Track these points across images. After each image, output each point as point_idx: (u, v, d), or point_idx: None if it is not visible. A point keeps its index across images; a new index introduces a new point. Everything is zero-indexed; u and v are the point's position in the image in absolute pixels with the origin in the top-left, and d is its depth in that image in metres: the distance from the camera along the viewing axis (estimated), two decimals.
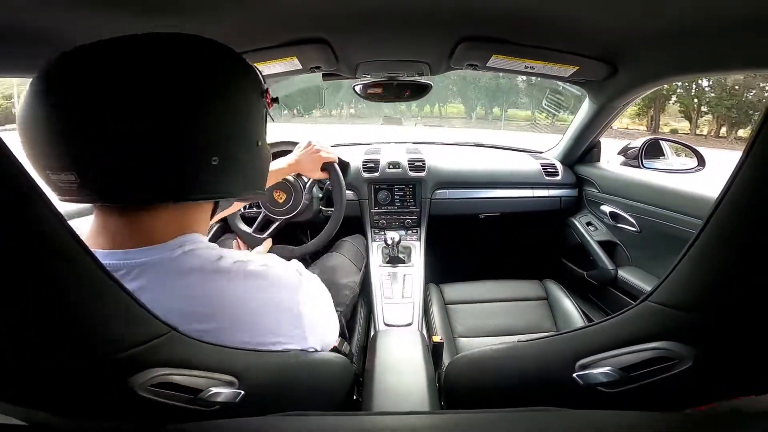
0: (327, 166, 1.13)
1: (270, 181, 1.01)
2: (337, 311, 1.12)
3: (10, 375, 0.29)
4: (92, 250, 0.41)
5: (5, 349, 0.27)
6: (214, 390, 0.37)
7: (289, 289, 0.48)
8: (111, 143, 0.37)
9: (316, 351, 0.52)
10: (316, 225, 1.29)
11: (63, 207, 0.33)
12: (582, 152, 1.67)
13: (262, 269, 0.47)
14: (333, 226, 1.16)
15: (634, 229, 1.39)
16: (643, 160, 1.50)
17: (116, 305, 0.32)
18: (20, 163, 0.25)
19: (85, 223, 0.47)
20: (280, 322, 0.47)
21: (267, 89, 0.50)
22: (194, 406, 0.36)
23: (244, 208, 1.39)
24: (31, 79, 0.39)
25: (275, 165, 1.04)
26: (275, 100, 0.54)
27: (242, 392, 0.40)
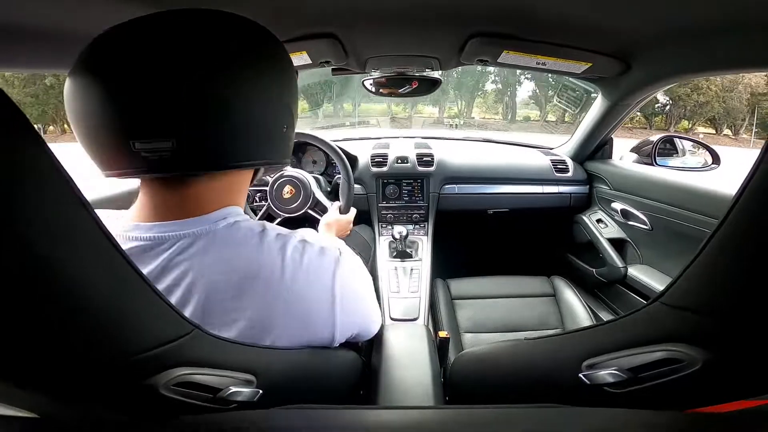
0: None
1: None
2: None
3: (31, 366, 0.29)
4: (137, 223, 0.44)
5: (29, 340, 0.28)
6: (234, 389, 0.38)
7: (328, 267, 0.49)
8: (214, 107, 0.39)
9: (339, 344, 0.52)
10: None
11: (90, 196, 0.33)
12: (593, 149, 1.65)
13: (301, 245, 0.47)
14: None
15: (645, 226, 1.37)
16: (657, 158, 1.48)
17: (144, 302, 0.32)
18: (51, 151, 0.25)
19: (115, 213, 0.48)
20: (319, 302, 0.47)
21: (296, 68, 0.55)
22: (212, 404, 0.37)
23: (252, 200, 1.40)
24: (81, 54, 0.39)
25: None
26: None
27: (260, 391, 0.40)
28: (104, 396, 0.33)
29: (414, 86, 1.30)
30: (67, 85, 0.40)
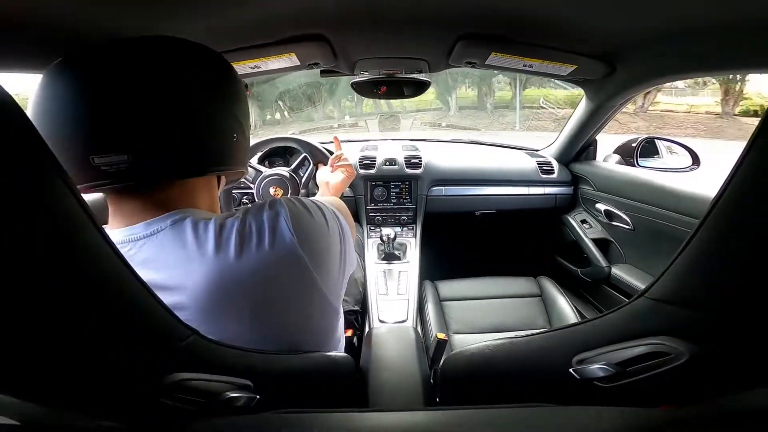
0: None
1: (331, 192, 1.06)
2: (354, 309, 1.13)
3: (20, 372, 0.28)
4: (111, 230, 0.45)
5: (20, 345, 0.27)
6: (231, 394, 0.38)
7: (274, 223, 0.47)
8: (164, 122, 0.43)
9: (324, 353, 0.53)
10: None
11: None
12: (578, 150, 1.68)
13: (244, 219, 0.47)
14: None
15: (628, 227, 1.40)
16: (638, 159, 1.51)
17: (142, 308, 0.32)
18: (54, 156, 0.25)
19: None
20: (275, 258, 0.46)
21: (246, 83, 0.59)
22: (210, 410, 0.36)
23: (239, 203, 1.40)
24: (46, 72, 0.42)
25: (324, 194, 1.08)
26: (247, 87, 0.62)
27: (257, 397, 0.40)
28: (100, 402, 0.32)
29: (403, 89, 1.30)
30: (32, 100, 0.43)
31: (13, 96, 0.24)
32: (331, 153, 1.27)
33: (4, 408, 0.30)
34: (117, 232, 0.45)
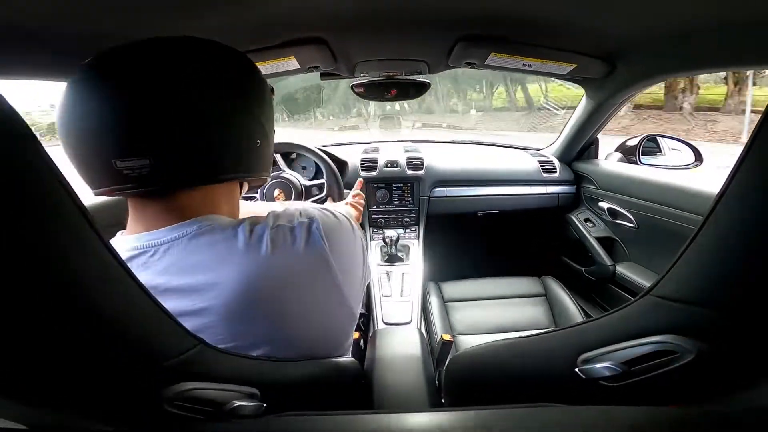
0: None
1: None
2: (360, 312, 1.13)
3: (28, 377, 0.29)
4: (127, 236, 0.46)
5: (27, 351, 0.27)
6: (238, 403, 0.37)
7: (309, 240, 0.48)
8: (186, 126, 0.42)
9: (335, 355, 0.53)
10: None
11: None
12: (580, 149, 1.67)
13: (277, 230, 0.47)
14: None
15: (631, 225, 1.40)
16: (641, 157, 1.51)
17: (148, 317, 0.32)
18: (54, 165, 0.25)
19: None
20: (307, 270, 0.47)
21: (272, 86, 0.57)
22: (216, 419, 0.36)
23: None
24: (71, 77, 0.42)
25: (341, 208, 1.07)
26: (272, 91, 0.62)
27: (264, 405, 0.40)
28: (103, 409, 0.32)
29: (403, 90, 1.31)
30: (58, 106, 0.43)
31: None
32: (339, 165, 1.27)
33: (9, 412, 0.31)
34: (136, 237, 0.45)
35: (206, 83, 0.44)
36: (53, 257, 0.25)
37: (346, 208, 1.07)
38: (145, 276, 0.42)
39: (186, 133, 0.43)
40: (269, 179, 1.22)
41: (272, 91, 0.57)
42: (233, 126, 0.46)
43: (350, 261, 0.53)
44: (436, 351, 0.84)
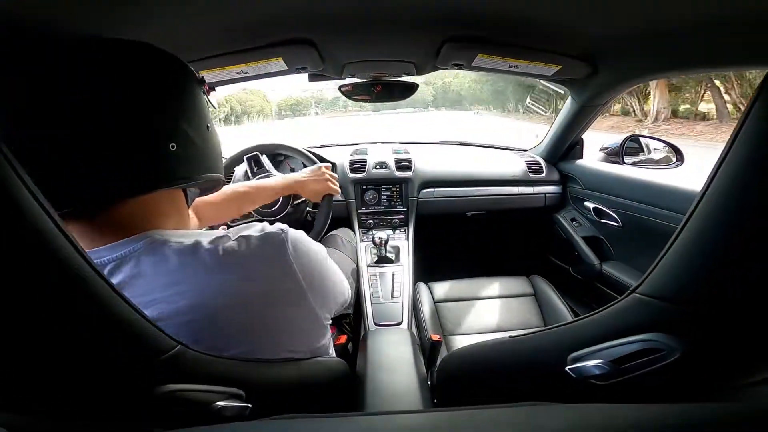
0: (325, 196, 1.13)
1: (268, 196, 1.01)
2: (347, 313, 1.12)
3: (8, 382, 0.28)
4: None
5: (9, 356, 0.27)
6: (222, 404, 0.37)
7: (277, 249, 0.47)
8: (77, 138, 0.38)
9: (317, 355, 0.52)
10: (301, 225, 1.29)
11: None
12: (565, 149, 1.70)
13: (239, 241, 0.45)
14: (314, 236, 1.16)
15: (616, 224, 1.42)
16: (624, 157, 1.54)
17: (125, 322, 0.31)
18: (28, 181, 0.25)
19: None
20: (276, 284, 0.46)
21: (203, 78, 0.52)
22: (201, 420, 0.36)
23: None
24: None
25: (279, 180, 1.05)
26: (212, 88, 0.57)
27: (250, 406, 0.40)
28: (86, 415, 0.31)
29: (391, 92, 1.31)
30: None
31: None
32: (323, 161, 1.27)
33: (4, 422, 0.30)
34: None
35: (96, 88, 0.39)
36: (28, 269, 0.25)
37: (318, 184, 1.06)
38: None
39: (77, 145, 0.38)
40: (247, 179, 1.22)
41: (203, 81, 0.52)
42: (129, 133, 0.40)
43: (320, 280, 0.52)
44: (428, 352, 0.84)
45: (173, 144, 0.44)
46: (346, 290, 0.62)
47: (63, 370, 0.29)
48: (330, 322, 0.56)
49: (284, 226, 0.49)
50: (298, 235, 0.49)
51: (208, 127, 0.50)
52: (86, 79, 0.39)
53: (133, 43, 0.43)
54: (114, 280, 0.40)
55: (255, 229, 0.47)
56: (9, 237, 0.24)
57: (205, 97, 0.53)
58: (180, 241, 0.43)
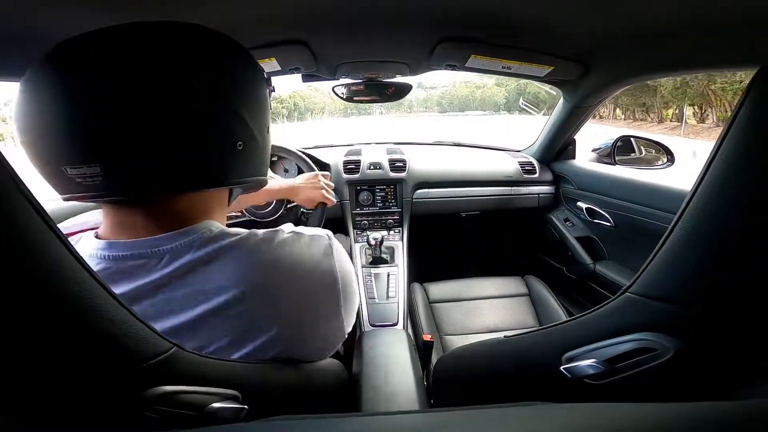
0: (318, 204, 1.13)
1: (260, 198, 1.01)
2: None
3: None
4: (111, 241, 0.42)
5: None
6: (217, 405, 0.37)
7: (321, 254, 0.48)
8: (138, 132, 0.37)
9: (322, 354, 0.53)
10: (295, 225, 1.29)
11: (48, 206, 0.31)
12: (558, 150, 1.71)
13: (293, 236, 0.47)
14: None
15: (609, 224, 1.44)
16: (616, 157, 1.55)
17: (116, 321, 0.30)
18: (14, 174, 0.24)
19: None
20: (318, 291, 0.47)
21: (270, 78, 0.51)
22: (196, 423, 0.35)
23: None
24: (26, 74, 0.37)
25: (274, 183, 1.05)
26: (273, 88, 0.56)
27: (246, 408, 0.39)
28: (79, 418, 0.31)
29: (384, 92, 1.31)
30: (14, 106, 0.39)
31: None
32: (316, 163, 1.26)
33: None
34: (123, 243, 0.41)
35: (160, 79, 0.37)
36: (12, 266, 0.24)
37: (313, 192, 1.07)
38: (141, 282, 0.40)
39: (137, 138, 0.37)
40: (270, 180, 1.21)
41: (269, 81, 0.51)
42: (205, 128, 0.40)
43: (351, 288, 0.52)
44: (422, 352, 0.84)
45: (241, 143, 0.43)
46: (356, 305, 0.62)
47: (52, 371, 0.28)
48: (346, 335, 0.56)
49: (330, 234, 0.51)
50: (339, 244, 0.52)
51: (268, 129, 0.49)
52: (180, 72, 0.38)
53: (216, 34, 0.42)
54: (169, 268, 0.40)
55: (309, 234, 0.49)
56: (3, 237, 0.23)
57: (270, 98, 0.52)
58: (237, 233, 0.44)
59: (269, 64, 0.98)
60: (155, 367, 0.33)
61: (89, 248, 0.42)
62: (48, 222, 0.26)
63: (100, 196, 0.39)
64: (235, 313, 0.41)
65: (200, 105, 0.39)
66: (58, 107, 0.36)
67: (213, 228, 0.44)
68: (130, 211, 0.42)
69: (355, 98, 1.33)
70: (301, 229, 0.50)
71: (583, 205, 1.56)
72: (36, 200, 0.26)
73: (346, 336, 0.54)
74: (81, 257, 0.28)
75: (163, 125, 0.37)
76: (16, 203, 0.25)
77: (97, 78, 0.36)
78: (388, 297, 1.26)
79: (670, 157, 1.47)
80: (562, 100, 1.45)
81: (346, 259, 0.52)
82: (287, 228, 0.49)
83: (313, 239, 0.48)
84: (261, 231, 0.46)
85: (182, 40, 0.40)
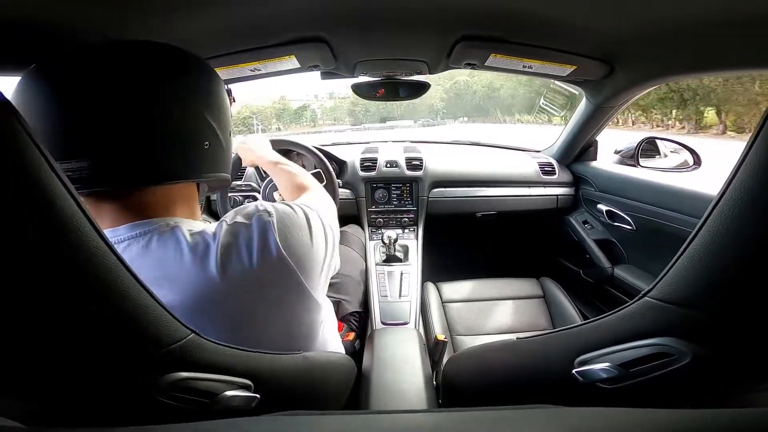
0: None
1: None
2: (356, 311, 1.13)
3: (18, 373, 0.29)
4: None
5: (19, 346, 0.27)
6: (230, 394, 0.38)
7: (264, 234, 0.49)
8: (122, 130, 0.43)
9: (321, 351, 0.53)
10: None
11: None
12: (579, 151, 1.67)
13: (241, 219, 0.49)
14: None
15: (629, 227, 1.40)
16: (639, 159, 1.51)
17: (140, 307, 0.32)
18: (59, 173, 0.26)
19: None
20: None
21: (230, 89, 0.59)
22: (208, 410, 0.36)
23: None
24: (20, 79, 0.43)
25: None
26: (233, 99, 0.64)
27: (258, 397, 0.40)
28: (96, 403, 0.32)
29: (402, 90, 1.31)
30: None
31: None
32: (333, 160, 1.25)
33: (5, 409, 0.30)
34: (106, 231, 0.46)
35: (143, 86, 0.44)
36: (48, 250, 0.25)
37: (319, 202, 1.05)
38: None
39: (122, 136, 0.43)
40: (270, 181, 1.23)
41: (229, 93, 0.58)
42: (176, 128, 0.47)
43: (309, 257, 0.52)
44: (433, 351, 0.84)
45: (207, 143, 0.50)
46: (334, 256, 0.61)
47: (75, 358, 0.29)
48: (324, 301, 0.56)
49: (270, 205, 0.52)
50: (283, 214, 0.52)
51: (230, 133, 0.56)
52: (152, 81, 0.45)
53: (181, 51, 0.49)
54: (125, 256, 0.42)
55: (246, 214, 0.50)
56: (41, 222, 0.25)
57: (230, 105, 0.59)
58: (184, 230, 0.47)
59: (289, 62, 0.99)
60: (173, 352, 0.34)
61: None
62: (83, 209, 0.27)
63: (86, 187, 0.44)
64: None
65: (170, 110, 0.46)
66: (49, 110, 0.42)
67: (170, 222, 0.48)
68: (107, 203, 0.47)
69: (372, 96, 1.33)
70: (240, 216, 0.51)
71: (603, 207, 1.52)
72: (70, 185, 0.27)
73: (322, 303, 0.55)
74: (111, 242, 0.29)
75: (138, 128, 0.44)
76: (53, 187, 0.26)
77: (88, 86, 0.43)
78: (400, 296, 1.26)
79: (697, 160, 1.42)
80: (584, 99, 1.41)
81: (291, 229, 0.52)
82: (228, 219, 0.50)
83: (254, 234, 0.49)
84: (209, 229, 0.49)
85: (156, 57, 0.47)
